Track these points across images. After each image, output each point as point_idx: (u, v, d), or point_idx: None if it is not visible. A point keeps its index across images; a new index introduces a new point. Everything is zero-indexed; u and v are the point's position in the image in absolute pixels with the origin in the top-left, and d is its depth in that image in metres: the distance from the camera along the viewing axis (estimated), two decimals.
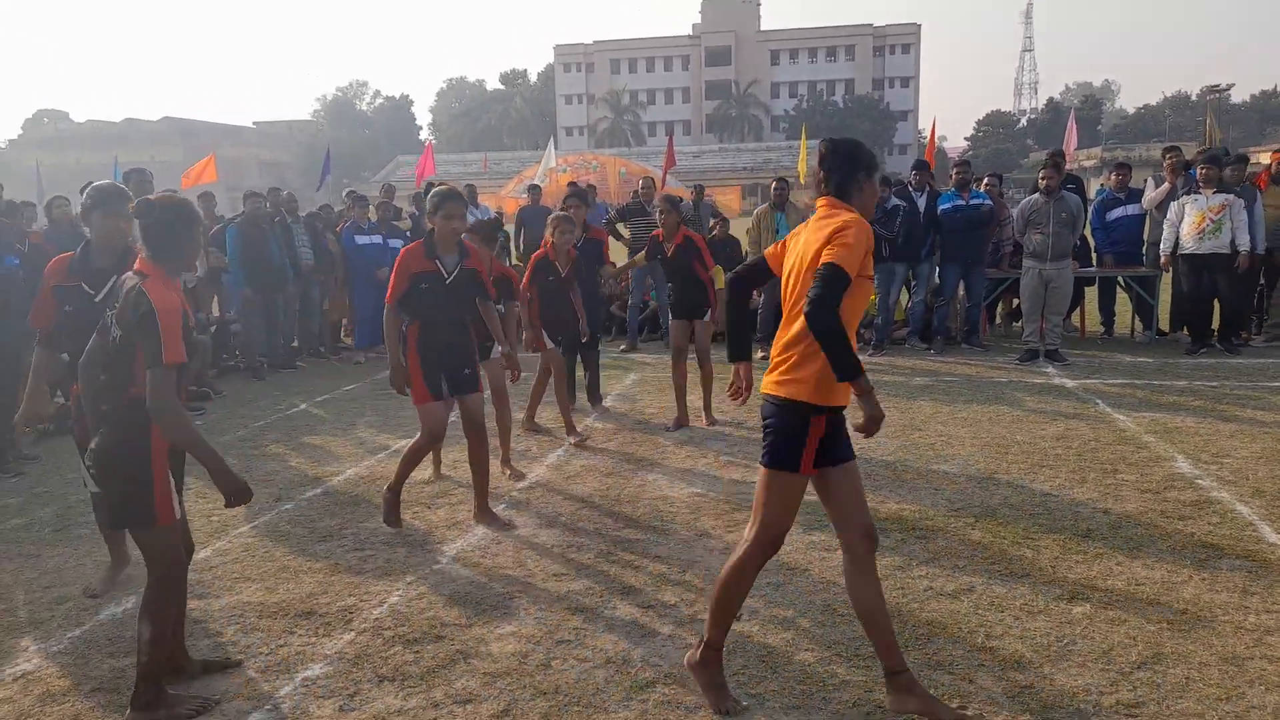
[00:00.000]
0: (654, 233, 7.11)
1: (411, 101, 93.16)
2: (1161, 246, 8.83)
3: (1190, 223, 8.49)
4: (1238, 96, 77.44)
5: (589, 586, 4.01)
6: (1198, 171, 8.61)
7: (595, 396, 7.47)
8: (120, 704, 3.18)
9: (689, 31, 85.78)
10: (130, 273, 3.10)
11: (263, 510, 5.20)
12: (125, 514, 3.09)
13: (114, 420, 3.05)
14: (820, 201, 3.00)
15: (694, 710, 3.02)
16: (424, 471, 5.67)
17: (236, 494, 3.06)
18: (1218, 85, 51.66)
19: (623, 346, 10.07)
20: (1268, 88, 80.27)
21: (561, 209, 7.39)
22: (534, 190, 13.13)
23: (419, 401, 4.72)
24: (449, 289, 4.65)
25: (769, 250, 3.20)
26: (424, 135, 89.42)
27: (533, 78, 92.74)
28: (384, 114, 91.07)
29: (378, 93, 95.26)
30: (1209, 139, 16.13)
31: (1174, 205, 8.73)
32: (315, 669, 3.39)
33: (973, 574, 3.99)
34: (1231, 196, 8.40)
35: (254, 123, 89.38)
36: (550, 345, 6.47)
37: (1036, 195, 8.55)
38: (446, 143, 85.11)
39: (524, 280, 6.48)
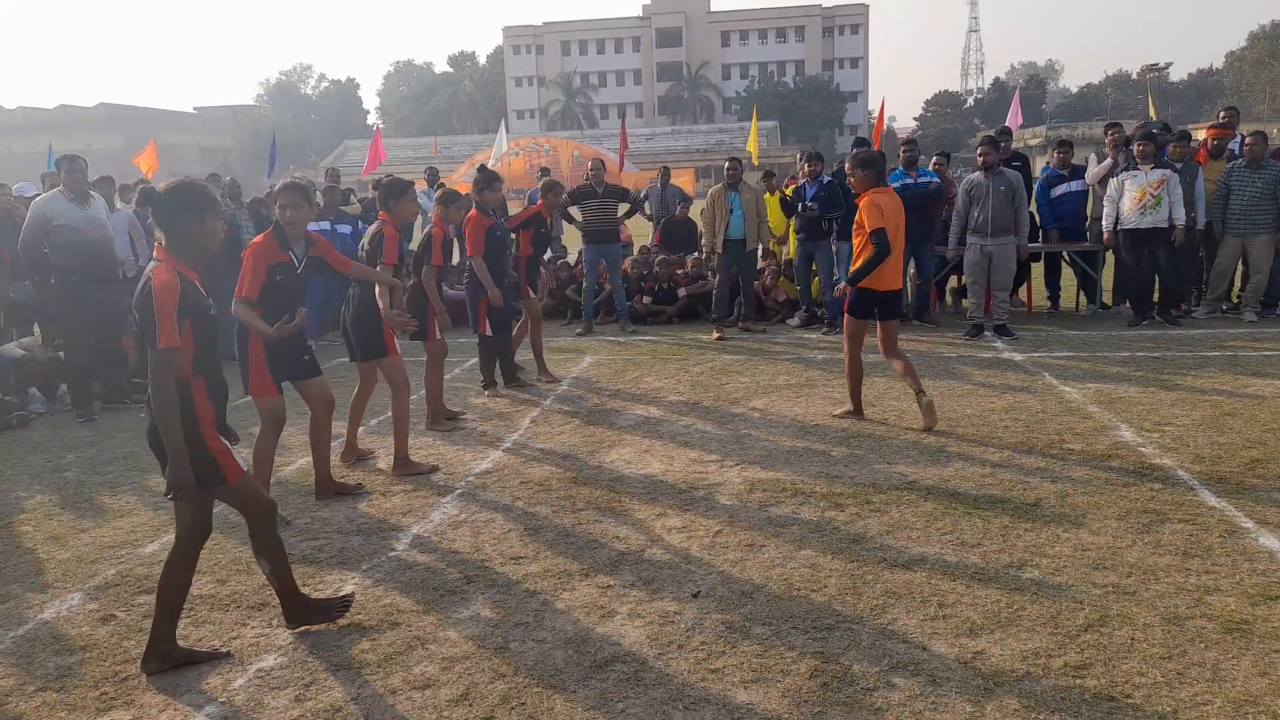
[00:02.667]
0: (535, 205, 7.91)
1: (358, 85, 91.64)
2: (1104, 223, 9.02)
3: (1131, 198, 8.68)
4: (1176, 75, 79.42)
5: (546, 569, 4.01)
6: (1134, 148, 8.79)
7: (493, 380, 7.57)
8: (68, 703, 3.10)
9: (639, 12, 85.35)
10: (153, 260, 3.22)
11: None
12: (201, 479, 3.17)
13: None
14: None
15: (652, 688, 3.04)
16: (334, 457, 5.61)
17: (182, 488, 3.08)
18: (1157, 64, 52.87)
19: (579, 330, 10.03)
20: (1204, 66, 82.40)
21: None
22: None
23: (262, 394, 4.62)
24: (299, 279, 4.68)
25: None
26: (371, 119, 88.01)
27: (481, 60, 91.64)
28: (329, 98, 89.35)
29: (323, 76, 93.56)
30: (1153, 114, 16.48)
31: (1113, 182, 8.91)
32: (269, 660, 3.34)
33: (925, 545, 4.06)
34: (1168, 171, 8.61)
35: (195, 108, 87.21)
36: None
37: (977, 173, 8.67)
38: (395, 127, 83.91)
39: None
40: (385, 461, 5.62)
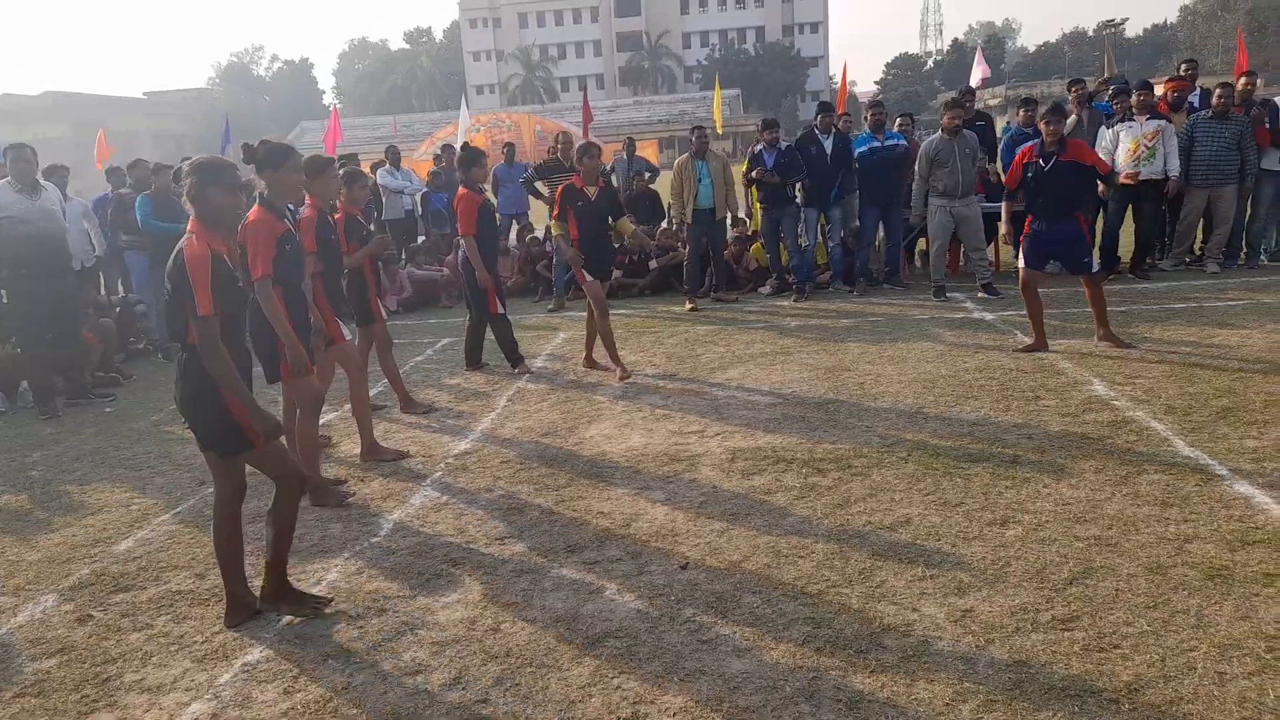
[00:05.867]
0: (570, 179, 7.01)
1: (312, 65, 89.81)
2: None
3: (1125, 149, 8.66)
4: (1131, 30, 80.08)
5: (533, 547, 3.97)
6: (1134, 98, 8.71)
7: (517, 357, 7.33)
8: (48, 707, 3.03)
9: None
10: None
11: (185, 495, 5.00)
12: (227, 447, 3.36)
13: (187, 365, 3.30)
14: None
15: (646, 661, 3.03)
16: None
17: (270, 432, 3.30)
18: (1113, 20, 53.19)
19: (550, 306, 9.95)
20: (1159, 21, 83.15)
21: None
22: (448, 151, 12.79)
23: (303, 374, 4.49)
24: (300, 247, 4.55)
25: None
26: (327, 99, 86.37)
27: (438, 35, 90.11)
28: (283, 79, 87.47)
29: (275, 57, 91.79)
30: (1108, 72, 16.57)
31: (1107, 133, 8.83)
32: (255, 653, 3.29)
33: (909, 506, 4.08)
34: (1164, 122, 8.61)
35: (145, 93, 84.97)
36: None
37: (938, 135, 8.63)
38: (352, 106, 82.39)
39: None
40: (346, 449, 5.53)
